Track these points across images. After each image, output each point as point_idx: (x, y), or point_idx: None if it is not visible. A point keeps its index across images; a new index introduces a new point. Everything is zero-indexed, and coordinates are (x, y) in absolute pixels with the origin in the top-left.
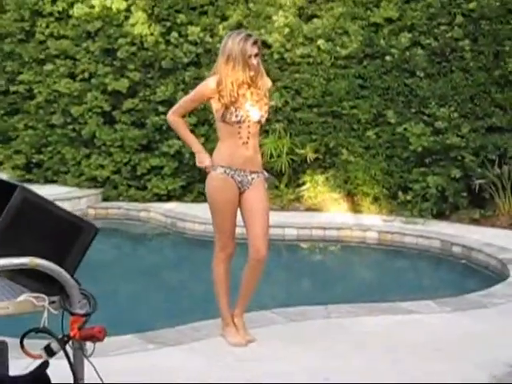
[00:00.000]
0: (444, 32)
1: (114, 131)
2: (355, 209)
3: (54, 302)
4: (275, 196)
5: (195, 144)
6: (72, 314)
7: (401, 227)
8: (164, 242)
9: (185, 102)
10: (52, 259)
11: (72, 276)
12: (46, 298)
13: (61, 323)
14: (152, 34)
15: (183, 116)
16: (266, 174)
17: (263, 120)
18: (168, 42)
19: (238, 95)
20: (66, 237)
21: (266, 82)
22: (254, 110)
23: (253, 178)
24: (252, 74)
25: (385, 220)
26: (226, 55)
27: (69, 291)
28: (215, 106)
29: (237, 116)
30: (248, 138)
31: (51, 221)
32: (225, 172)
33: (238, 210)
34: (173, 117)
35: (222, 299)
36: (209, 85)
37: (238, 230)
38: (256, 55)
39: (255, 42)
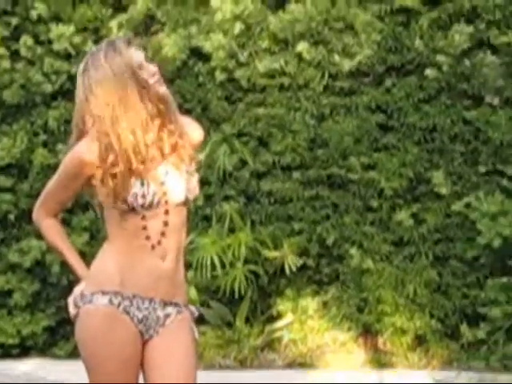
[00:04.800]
0: None
1: None
2: (380, 360)
3: None
4: (227, 342)
5: (79, 266)
6: None
7: None
8: None
9: (49, 190)
10: None
11: None
12: None
13: None
14: None
15: (56, 214)
16: (194, 309)
17: (193, 197)
18: (15, 55)
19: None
20: None
21: (187, 128)
22: (173, 179)
23: (167, 315)
24: (163, 90)
25: (437, 380)
26: (108, 83)
27: None
28: (99, 188)
29: (143, 196)
30: (163, 234)
31: None
32: (110, 302)
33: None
34: (38, 216)
35: None
36: (84, 156)
37: None
38: (154, 74)
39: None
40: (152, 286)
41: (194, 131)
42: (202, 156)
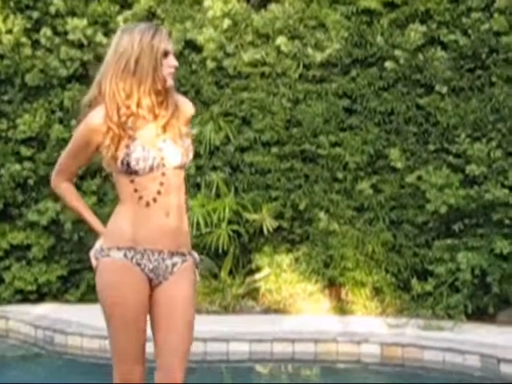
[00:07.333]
0: (478, 23)
1: None
2: (343, 308)
3: None
4: (213, 291)
5: (95, 222)
6: None
7: (417, 336)
8: (33, 369)
9: (64, 159)
10: None
11: None
12: None
13: None
14: (10, 32)
15: (71, 179)
16: (196, 256)
17: (187, 161)
18: (36, 44)
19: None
20: None
21: (181, 105)
22: (170, 146)
23: (174, 264)
24: (170, 83)
25: (391, 325)
26: (125, 60)
27: None
28: (105, 149)
29: (144, 159)
30: (159, 193)
31: None
32: (125, 256)
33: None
34: (56, 182)
35: None
36: (92, 122)
37: None
38: (171, 67)
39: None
40: (160, 240)
41: (185, 106)
42: (194, 131)
